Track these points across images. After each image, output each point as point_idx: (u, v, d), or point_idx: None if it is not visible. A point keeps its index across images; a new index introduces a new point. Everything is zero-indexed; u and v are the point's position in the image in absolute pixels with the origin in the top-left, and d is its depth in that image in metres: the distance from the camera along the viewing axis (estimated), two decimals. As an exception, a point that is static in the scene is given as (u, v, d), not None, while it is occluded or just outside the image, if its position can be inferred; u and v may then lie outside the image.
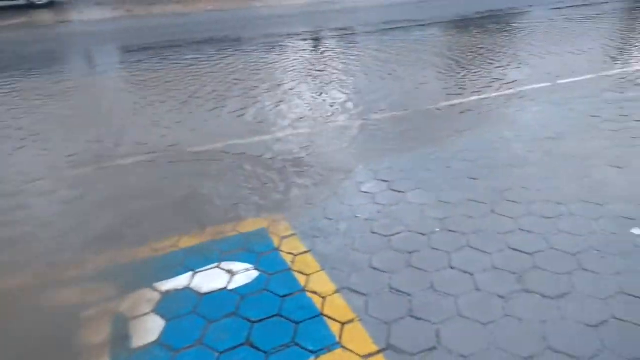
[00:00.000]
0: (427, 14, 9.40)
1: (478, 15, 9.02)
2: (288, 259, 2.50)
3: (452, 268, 2.36)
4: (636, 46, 6.37)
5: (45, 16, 11.51)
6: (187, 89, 5.51)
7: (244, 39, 7.96)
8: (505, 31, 7.74)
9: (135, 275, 2.40)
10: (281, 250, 2.57)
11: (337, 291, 2.24)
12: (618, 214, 2.69)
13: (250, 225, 2.84)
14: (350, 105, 4.78)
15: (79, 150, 4.01)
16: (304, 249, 2.57)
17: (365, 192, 3.15)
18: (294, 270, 2.41)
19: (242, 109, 4.83)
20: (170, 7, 11.83)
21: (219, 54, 7.02)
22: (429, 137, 3.97)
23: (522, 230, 2.62)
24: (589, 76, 5.22)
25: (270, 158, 3.71)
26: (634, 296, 2.08)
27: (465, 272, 2.32)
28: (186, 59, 6.79)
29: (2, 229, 2.91)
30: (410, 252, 2.49)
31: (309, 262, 2.46)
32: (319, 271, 2.39)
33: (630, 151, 3.42)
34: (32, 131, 4.48)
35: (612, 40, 6.85)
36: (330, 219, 2.85)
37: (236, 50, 7.25)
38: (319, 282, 2.31)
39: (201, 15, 10.69)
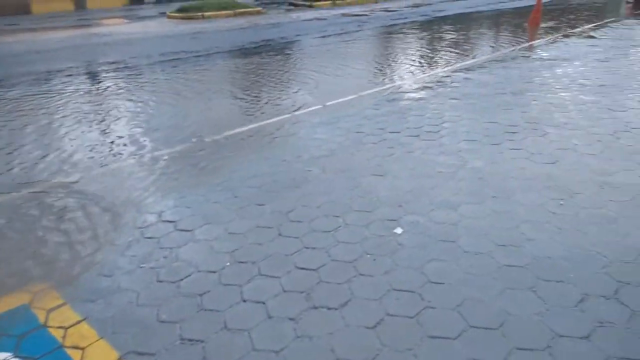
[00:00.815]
0: (203, 45, 9.48)
1: (253, 45, 9.48)
2: (58, 334, 2.15)
3: (244, 301, 2.33)
4: (387, 67, 7.48)
5: None
6: None
7: (-7, 80, 6.81)
8: (279, 59, 8.29)
9: None
10: (49, 326, 2.20)
11: (120, 358, 2.00)
12: (383, 217, 3.05)
13: (5, 303, 2.36)
14: (129, 144, 4.46)
15: None
16: (78, 319, 2.25)
17: (149, 238, 2.93)
18: (66, 347, 2.08)
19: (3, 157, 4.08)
20: None
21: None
22: (215, 167, 3.94)
23: (307, 247, 2.76)
24: (351, 96, 5.89)
25: (35, 214, 3.19)
26: (401, 290, 2.35)
27: (257, 302, 2.32)
28: None
29: None
30: (200, 295, 2.39)
31: (85, 333, 2.16)
32: (97, 340, 2.11)
33: (387, 160, 3.94)
34: None
35: (368, 63, 7.92)
36: (109, 276, 2.56)
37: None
38: (98, 354, 2.04)
39: None
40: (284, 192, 3.48)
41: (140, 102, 5.85)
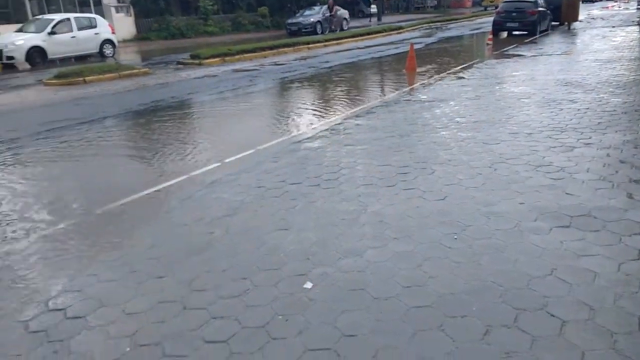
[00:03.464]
0: (87, 111, 9.01)
1: (142, 107, 9.20)
2: None
3: (149, 390, 2.13)
4: (283, 119, 7.65)
5: None
6: None
7: None
8: (171, 119, 8.11)
9: None
10: None
11: None
12: (292, 273, 3.02)
13: None
14: (8, 224, 4.00)
15: None
16: None
17: (34, 332, 2.61)
18: None
19: None
20: None
21: None
22: (108, 242, 3.65)
23: (214, 317, 2.62)
24: (249, 151, 5.89)
25: None
26: (317, 349, 2.30)
27: (163, 388, 2.13)
28: None
29: None
30: (99, 390, 2.14)
31: None
32: None
33: (291, 212, 3.95)
34: None
35: (264, 117, 8.04)
36: (-15, 387, 2.21)
37: None
38: None
39: None
40: (186, 260, 3.31)
41: (19, 177, 5.34)
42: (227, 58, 15.95)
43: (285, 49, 17.98)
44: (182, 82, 12.46)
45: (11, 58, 16.13)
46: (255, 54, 16.84)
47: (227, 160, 5.61)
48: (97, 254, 3.48)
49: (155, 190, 4.72)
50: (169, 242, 3.57)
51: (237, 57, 16.19)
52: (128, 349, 2.42)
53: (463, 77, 10.30)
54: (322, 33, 24.71)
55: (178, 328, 2.55)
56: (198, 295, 2.85)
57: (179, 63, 15.88)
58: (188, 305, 2.75)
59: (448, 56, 14.87)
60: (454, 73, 11.04)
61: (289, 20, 26.53)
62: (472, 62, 12.55)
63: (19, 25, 18.20)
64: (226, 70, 14.17)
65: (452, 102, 7.79)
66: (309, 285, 2.86)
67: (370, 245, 3.27)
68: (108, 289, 3.00)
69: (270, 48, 17.64)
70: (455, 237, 3.30)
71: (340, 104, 8.60)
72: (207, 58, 15.59)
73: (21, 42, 16.22)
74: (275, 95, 10.50)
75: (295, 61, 15.69)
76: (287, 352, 2.30)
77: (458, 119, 6.63)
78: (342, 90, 10.05)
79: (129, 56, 19.41)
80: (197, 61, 15.48)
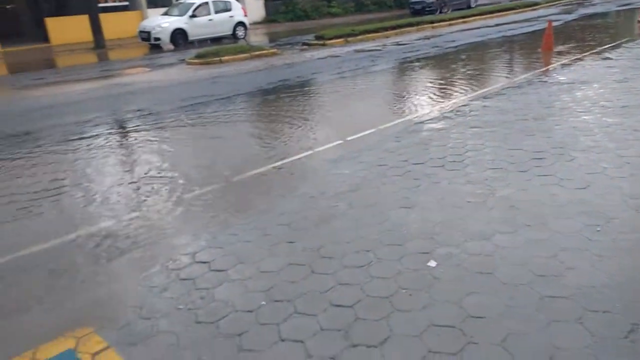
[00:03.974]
0: (223, 89, 9.75)
1: (270, 86, 9.71)
2: (103, 378, 2.16)
3: (282, 340, 2.33)
4: (405, 100, 7.58)
5: None
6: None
7: (20, 133, 7.09)
8: (297, 98, 8.47)
9: None
10: (94, 370, 2.22)
11: (165, 403, 2.00)
12: (416, 250, 3.04)
13: (52, 349, 2.40)
14: (158, 187, 4.56)
15: None
16: (122, 361, 2.27)
17: (184, 279, 2.97)
18: (112, 391, 2.09)
19: (22, 215, 4.20)
20: None
21: (-6, 152, 6.10)
22: (244, 207, 3.98)
23: (341, 284, 2.75)
24: (371, 130, 5.95)
25: (66, 261, 3.26)
26: (441, 326, 2.32)
27: (295, 341, 2.31)
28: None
29: None
30: (239, 335, 2.40)
31: (129, 376, 2.17)
32: (142, 384, 2.12)
33: (414, 192, 3.94)
34: None
35: (386, 97, 8.04)
36: (148, 318, 2.59)
37: (6, 149, 6.40)
38: (142, 398, 2.04)
39: (-36, 110, 9.23)
40: (313, 229, 3.50)
41: (166, 146, 6.01)
42: (349, 39, 16.08)
43: (408, 29, 17.60)
44: (307, 63, 12.87)
45: (158, 39, 17.97)
46: (378, 34, 16.74)
47: (349, 139, 5.73)
48: (234, 216, 3.82)
49: (283, 164, 5.01)
50: (297, 212, 3.79)
51: (359, 37, 16.24)
52: (263, 302, 2.65)
53: (609, 58, 9.23)
54: (446, 12, 23.69)
55: (307, 289, 2.73)
56: (325, 262, 3.01)
57: (304, 44, 16.37)
58: (316, 270, 2.92)
59: (591, 34, 13.38)
60: (598, 53, 9.93)
61: (413, -1, 25.84)
62: (620, 42, 11.17)
63: (165, 9, 20.13)
64: (349, 50, 14.30)
65: (595, 85, 7.06)
66: (433, 263, 2.86)
67: (499, 230, 3.15)
68: (245, 248, 3.30)
69: (393, 28, 17.38)
70: (598, 229, 3.04)
71: (466, 84, 8.25)
72: (330, 39, 15.87)
73: (166, 24, 17.96)
74: (396, 75, 10.39)
75: (418, 41, 15.31)
76: (411, 324, 2.34)
77: (603, 103, 6.00)
78: (468, 71, 9.61)
79: (258, 38, 20.48)
80: (321, 42, 15.84)
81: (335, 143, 5.59)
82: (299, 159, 5.14)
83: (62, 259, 3.34)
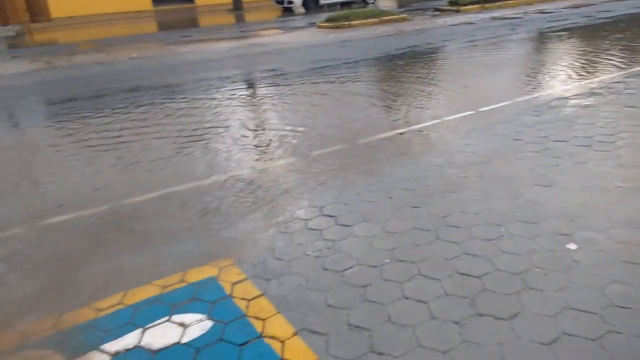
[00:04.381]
0: (352, 53, 9.81)
1: (399, 52, 9.54)
2: (242, 305, 2.42)
3: (406, 298, 2.38)
4: (546, 73, 6.99)
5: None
6: (117, 138, 5.31)
7: (173, 85, 7.86)
8: (427, 65, 8.23)
9: (80, 339, 2.22)
10: (234, 297, 2.49)
11: (295, 333, 2.19)
12: (553, 230, 2.87)
13: (198, 274, 2.73)
14: (289, 143, 4.81)
15: (7, 211, 3.71)
16: (257, 293, 2.50)
17: (312, 229, 3.14)
18: (249, 316, 2.33)
19: (177, 155, 4.72)
20: (92, 57, 11.50)
21: (148, 102, 6.87)
22: (368, 169, 4.06)
23: (467, 254, 2.71)
24: (506, 102, 5.61)
25: (212, 202, 3.62)
26: (580, 310, 2.19)
27: (419, 301, 2.35)
28: (113, 108, 6.57)
29: None
30: (364, 286, 2.50)
31: (264, 306, 2.40)
32: (275, 314, 2.33)
33: (553, 170, 3.68)
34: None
35: (524, 68, 7.47)
36: (281, 259, 2.81)
37: (166, 97, 7.13)
38: (276, 326, 2.25)
39: (125, 63, 10.46)
40: (438, 197, 3.46)
41: (297, 105, 6.26)
42: (486, 5, 15.07)
43: (556, -4, 15.96)
44: (438, 29, 12.38)
45: (290, 3, 18.50)
46: (518, 0, 15.43)
47: (481, 110, 5.47)
48: (359, 177, 3.91)
49: (409, 130, 4.96)
50: (422, 178, 3.77)
51: (497, 3, 15.15)
52: (387, 260, 2.72)
53: None
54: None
55: (431, 254, 2.74)
56: (451, 230, 2.98)
57: (436, 10, 15.71)
58: (441, 237, 2.91)
59: None
60: None
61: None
62: None
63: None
64: (485, 17, 13.44)
65: None
66: (573, 246, 2.68)
67: (655, 220, 2.84)
68: (369, 208, 3.37)
69: (538, -6, 15.90)
70: None
71: (621, 59, 7.32)
72: (465, 5, 15.01)
73: (301, -12, 18.37)
74: (538, 45, 9.55)
75: (565, 9, 13.84)
76: (545, 303, 2.25)
77: None
78: (624, 44, 8.50)
79: (387, 3, 20.05)
80: (454, 8, 15.06)
81: (466, 113, 5.38)
82: (426, 126, 5.05)
83: (209, 198, 3.71)
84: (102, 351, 2.16)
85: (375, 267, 2.66)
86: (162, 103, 6.70)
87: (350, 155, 4.43)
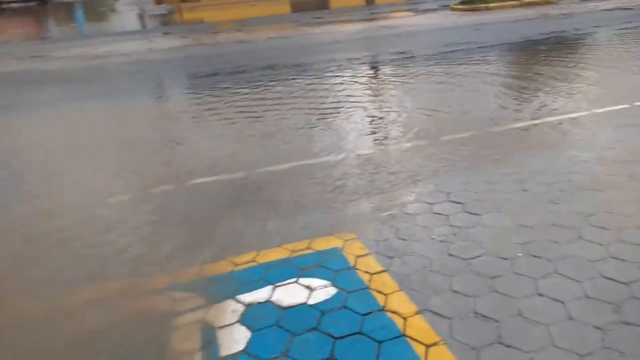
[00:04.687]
0: (487, 37, 9.27)
1: (542, 37, 8.80)
2: (365, 277, 2.48)
3: (540, 295, 2.24)
4: None
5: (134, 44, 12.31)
6: (253, 111, 5.67)
7: (305, 64, 8.14)
8: (573, 52, 7.50)
9: (219, 288, 2.46)
10: (357, 269, 2.55)
11: (418, 312, 2.19)
12: None
13: (323, 243, 2.84)
14: (417, 127, 4.74)
15: (155, 171, 4.19)
16: (380, 269, 2.54)
17: (438, 214, 3.08)
18: (372, 289, 2.38)
19: (308, 130, 4.91)
20: (234, 35, 12.34)
21: (283, 79, 7.21)
22: (501, 158, 3.85)
23: (615, 258, 2.47)
24: (671, 98, 4.93)
25: (339, 178, 3.72)
26: None
27: (555, 300, 2.20)
28: (251, 84, 7.02)
29: (92, 241, 3.07)
30: (492, 277, 2.40)
31: (387, 282, 2.43)
32: (397, 291, 2.35)
33: None
34: (115, 154, 4.76)
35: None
36: (404, 240, 2.81)
37: (298, 75, 7.43)
38: (398, 302, 2.27)
39: (263, 42, 11.06)
40: (581, 194, 3.17)
41: (426, 90, 6.12)
42: (653, -13, 13.16)
43: None
44: (588, 14, 11.19)
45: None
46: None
47: (637, 104, 4.87)
48: (491, 166, 3.73)
49: (548, 121, 4.59)
50: (563, 173, 3.48)
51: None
52: (520, 254, 2.57)
53: None
54: None
55: (572, 253, 2.53)
56: (596, 230, 2.72)
57: (588, -8, 14.15)
58: (584, 237, 2.67)
59: None
60: None
61: None
62: None
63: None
64: (648, 1, 11.80)
65: None
66: None
67: None
68: (500, 198, 3.21)
69: None
70: None
71: None
72: (625, -14, 13.27)
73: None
74: None
75: None
76: None
77: None
78: None
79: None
80: (611, -10, 13.41)
81: (619, 107, 4.83)
82: (570, 118, 4.63)
83: (336, 174, 3.82)
84: (238, 301, 2.36)
85: (505, 259, 2.54)
86: (295, 80, 7.00)
87: (481, 143, 4.23)
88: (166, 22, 17.42)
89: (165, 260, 2.78)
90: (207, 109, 5.90)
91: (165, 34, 14.07)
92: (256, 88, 6.70)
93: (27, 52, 11.98)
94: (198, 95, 6.67)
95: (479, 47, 8.40)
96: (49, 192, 3.84)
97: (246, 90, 6.61)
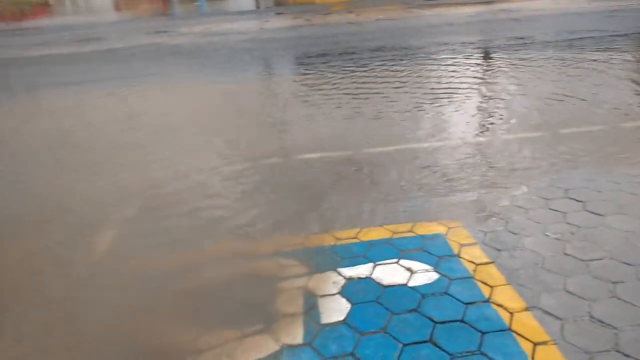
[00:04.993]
0: (621, 25, 8.34)
1: (693, 26, 7.73)
2: (469, 267, 2.41)
3: (671, 307, 2.03)
4: None
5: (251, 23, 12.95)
6: (361, 93, 5.69)
7: (414, 47, 7.96)
8: None
9: (322, 259, 2.54)
10: (461, 257, 2.49)
11: (526, 309, 2.09)
12: None
13: (426, 228, 2.80)
14: (535, 117, 4.45)
15: (266, 144, 4.40)
16: (486, 260, 2.45)
17: (554, 210, 2.89)
18: (476, 280, 2.31)
19: (416, 114, 4.83)
20: (344, 17, 12.39)
21: (391, 61, 7.13)
22: (631, 157, 3.49)
23: None
24: None
25: (446, 164, 3.63)
26: None
27: (689, 316, 1.98)
28: (360, 65, 7.03)
29: (205, 205, 3.32)
30: (614, 282, 2.21)
31: (493, 274, 2.34)
32: (504, 285, 2.26)
33: None
34: (229, 126, 5.06)
35: None
36: (515, 233, 2.67)
37: (407, 57, 7.29)
38: (505, 296, 2.18)
39: (373, 24, 10.98)
40: None
41: (546, 79, 5.70)
42: None
43: None
44: None
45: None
46: None
47: None
48: (620, 165, 3.40)
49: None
50: None
51: None
52: (649, 261, 2.34)
53: None
54: None
55: None
56: None
57: None
58: None
59: None
60: None
61: None
62: None
63: None
64: None
65: None
66: None
67: None
68: (629, 199, 2.92)
69: None
70: None
71: None
72: None
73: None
74: None
75: None
76: None
77: None
78: None
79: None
80: None
81: None
82: None
83: (443, 160, 3.73)
84: (339, 273, 2.43)
85: (631, 265, 2.32)
86: (404, 63, 6.89)
87: (608, 138, 3.87)
88: (279, 3, 17.96)
89: (273, 228, 2.93)
90: (316, 89, 6.03)
91: (278, 14, 14.52)
92: (364, 69, 6.70)
93: (154, 27, 13.06)
94: (308, 75, 6.84)
95: (611, 36, 7.60)
96: (168, 157, 4.20)
97: (354, 72, 6.64)
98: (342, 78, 6.36)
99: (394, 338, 1.95)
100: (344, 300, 2.20)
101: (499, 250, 2.54)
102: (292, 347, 1.96)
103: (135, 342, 2.09)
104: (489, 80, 5.83)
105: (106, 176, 3.83)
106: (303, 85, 6.36)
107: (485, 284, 2.28)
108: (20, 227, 3.17)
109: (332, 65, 7.14)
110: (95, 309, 2.32)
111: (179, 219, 3.15)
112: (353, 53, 7.89)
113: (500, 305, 2.12)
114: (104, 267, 2.67)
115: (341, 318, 2.08)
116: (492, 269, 2.38)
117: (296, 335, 2.02)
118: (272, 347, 1.97)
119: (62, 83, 7.24)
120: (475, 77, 5.94)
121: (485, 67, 6.43)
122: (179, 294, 2.40)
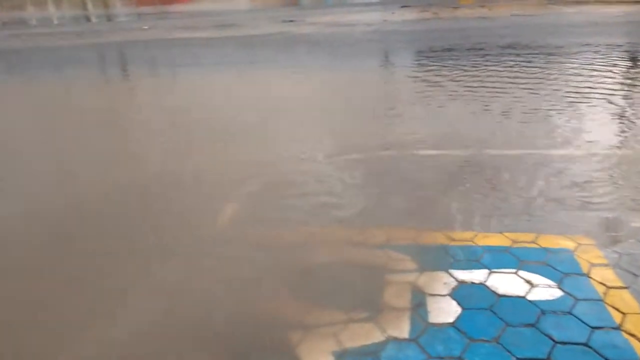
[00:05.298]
0: None
1: None
2: (599, 289, 2.20)
3: None
4: None
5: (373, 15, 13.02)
6: (485, 93, 5.42)
7: (551, 46, 7.35)
8: None
9: (433, 257, 2.49)
10: (591, 278, 2.28)
11: (667, 346, 1.85)
12: None
13: (552, 241, 2.60)
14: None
15: (382, 136, 4.40)
16: (620, 284, 2.22)
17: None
18: (607, 304, 2.10)
19: (547, 118, 4.48)
20: (475, 11, 11.84)
21: (523, 60, 6.67)
22: None
23: None
24: None
25: (580, 175, 3.33)
26: None
27: None
28: (487, 63, 6.68)
29: (319, 191, 3.42)
30: None
31: (627, 300, 2.11)
32: (639, 314, 2.03)
33: None
34: (345, 116, 5.14)
35: None
36: (655, 259, 2.38)
37: (542, 58, 6.76)
38: (639, 326, 1.96)
39: (506, 19, 10.35)
40: None
41: None
42: None
43: None
44: None
45: None
46: None
47: None
48: None
49: None
50: None
51: None
52: None
53: None
54: None
55: None
56: None
57: None
58: None
59: None
60: None
61: None
62: None
63: None
64: None
65: None
66: None
67: None
68: None
69: None
70: None
71: None
72: None
73: None
74: None
75: None
76: None
77: None
78: None
79: None
80: None
81: None
82: None
83: (575, 170, 3.43)
84: (451, 275, 2.36)
85: None
86: (537, 62, 6.41)
87: None
88: (407, -5, 17.66)
89: (385, 219, 2.93)
90: (438, 84, 5.86)
91: (404, 6, 14.32)
92: (493, 67, 6.36)
93: (283, 17, 13.63)
94: (431, 69, 6.67)
95: None
96: (287, 140, 4.37)
97: (482, 69, 6.33)
98: (468, 75, 6.11)
99: (507, 350, 1.85)
100: (454, 303, 2.13)
101: (635, 275, 2.28)
102: (397, 341, 1.95)
103: (243, 308, 2.23)
104: (635, 88, 5.20)
105: (233, 153, 4.12)
106: (425, 79, 6.22)
107: (617, 309, 2.06)
108: (156, 193, 3.54)
109: (457, 61, 6.89)
110: (211, 272, 2.52)
111: (295, 199, 3.29)
112: (481, 49, 7.52)
113: (632, 335, 1.91)
114: (225, 234, 2.88)
115: (450, 320, 2.03)
116: (626, 295, 2.14)
117: (402, 329, 2.01)
118: (377, 336, 1.99)
119: (199, 64, 7.88)
120: (619, 83, 5.34)
121: (632, 73, 5.74)
122: (290, 269, 2.51)
